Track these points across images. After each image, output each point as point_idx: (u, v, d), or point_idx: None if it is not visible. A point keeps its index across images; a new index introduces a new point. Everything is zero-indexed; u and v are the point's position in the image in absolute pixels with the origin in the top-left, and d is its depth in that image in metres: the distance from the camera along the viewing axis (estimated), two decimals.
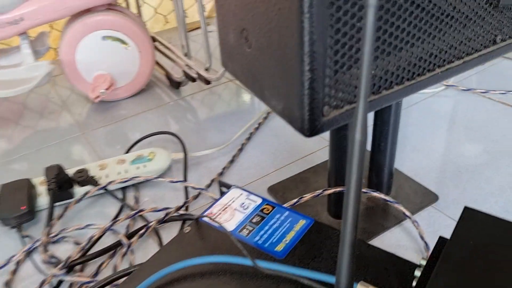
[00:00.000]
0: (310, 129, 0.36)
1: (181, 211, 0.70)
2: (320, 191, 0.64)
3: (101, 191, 0.76)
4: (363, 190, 0.64)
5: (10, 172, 0.86)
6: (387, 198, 0.64)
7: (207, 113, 1.01)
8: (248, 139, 0.89)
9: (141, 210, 0.69)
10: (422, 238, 0.62)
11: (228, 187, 0.56)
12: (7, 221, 0.70)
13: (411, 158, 0.79)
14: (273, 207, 0.51)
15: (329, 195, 0.66)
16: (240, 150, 0.86)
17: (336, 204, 0.67)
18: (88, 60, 1.01)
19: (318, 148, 0.85)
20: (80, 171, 0.76)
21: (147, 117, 1.02)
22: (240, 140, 0.89)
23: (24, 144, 0.95)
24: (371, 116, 0.65)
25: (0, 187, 0.75)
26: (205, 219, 0.50)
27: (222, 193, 0.57)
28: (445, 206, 0.68)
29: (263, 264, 0.42)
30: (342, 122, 0.38)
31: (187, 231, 0.50)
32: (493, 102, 0.93)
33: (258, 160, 0.83)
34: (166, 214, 0.68)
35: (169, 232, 0.69)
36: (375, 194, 0.64)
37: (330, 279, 0.40)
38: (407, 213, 0.63)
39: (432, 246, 0.62)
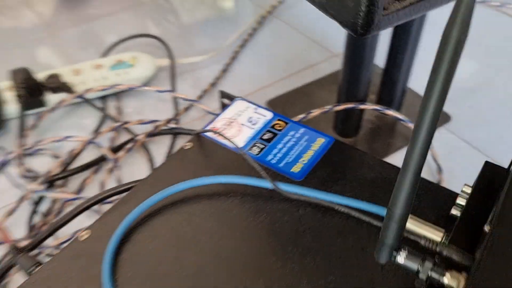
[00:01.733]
0: (365, 26, 0.29)
1: (171, 124, 0.63)
2: (330, 106, 0.58)
3: (78, 99, 0.67)
4: (376, 107, 0.58)
5: None
6: (400, 116, 0.59)
7: (192, 15, 0.90)
8: (242, 46, 0.80)
9: (126, 122, 0.62)
10: (435, 160, 0.58)
11: (231, 98, 0.49)
12: None
13: (419, 74, 0.73)
14: (286, 123, 0.45)
15: (337, 111, 0.60)
16: (233, 58, 0.77)
17: (344, 122, 0.61)
18: None
19: (322, 59, 0.77)
20: (52, 76, 0.66)
21: (121, 17, 0.89)
22: (232, 48, 0.80)
23: None
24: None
25: None
26: (209, 134, 0.43)
27: (224, 106, 0.50)
28: (458, 127, 0.64)
29: (283, 187, 0.37)
30: (403, 18, 0.30)
31: (188, 147, 0.43)
32: (508, 18, 0.86)
33: (254, 71, 0.75)
34: (155, 127, 0.61)
35: (159, 147, 0.62)
36: (389, 112, 0.58)
37: (365, 206, 0.35)
38: None
39: (445, 168, 0.58)
